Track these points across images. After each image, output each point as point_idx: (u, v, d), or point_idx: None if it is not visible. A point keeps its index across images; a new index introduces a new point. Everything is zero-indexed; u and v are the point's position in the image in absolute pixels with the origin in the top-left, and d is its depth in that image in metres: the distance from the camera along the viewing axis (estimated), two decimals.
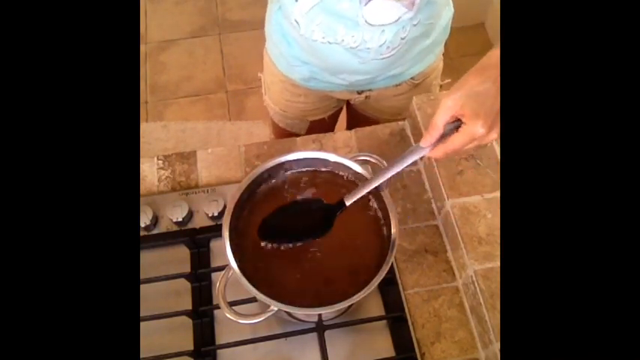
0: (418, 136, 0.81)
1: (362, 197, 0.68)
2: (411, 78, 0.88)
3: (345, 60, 0.76)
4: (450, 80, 0.99)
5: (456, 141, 0.55)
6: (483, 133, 0.53)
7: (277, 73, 0.92)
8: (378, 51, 0.74)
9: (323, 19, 0.70)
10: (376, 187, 0.66)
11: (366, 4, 0.67)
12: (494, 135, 0.54)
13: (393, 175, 0.61)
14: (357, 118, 1.04)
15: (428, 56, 0.86)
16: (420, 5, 0.69)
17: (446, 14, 0.82)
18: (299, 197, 0.67)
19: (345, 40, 0.72)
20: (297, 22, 0.73)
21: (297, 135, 1.02)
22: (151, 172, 0.83)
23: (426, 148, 0.58)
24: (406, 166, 0.60)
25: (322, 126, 1.02)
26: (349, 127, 1.11)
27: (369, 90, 0.90)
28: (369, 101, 0.94)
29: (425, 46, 0.81)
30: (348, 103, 1.03)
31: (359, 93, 0.91)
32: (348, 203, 0.62)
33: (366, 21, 0.69)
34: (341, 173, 0.70)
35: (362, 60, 0.76)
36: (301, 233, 0.64)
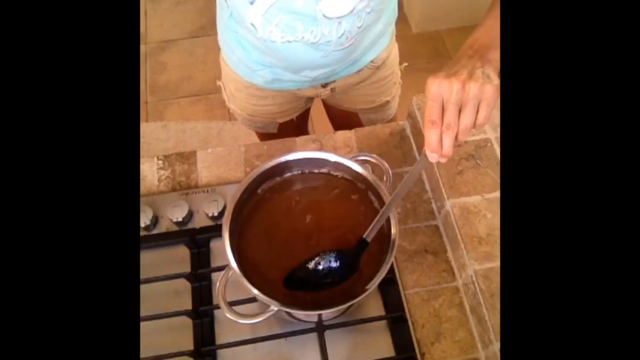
0: (418, 136, 0.81)
1: (363, 198, 0.69)
2: (371, 62, 0.89)
3: (307, 56, 0.76)
4: (407, 64, 1.01)
5: (428, 111, 0.54)
6: (445, 84, 0.52)
7: (239, 80, 0.91)
8: (337, 42, 0.74)
9: (281, 19, 0.70)
10: (377, 189, 0.66)
11: None
12: (471, 84, 0.52)
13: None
14: (336, 115, 1.05)
15: (382, 39, 0.87)
16: None
17: None
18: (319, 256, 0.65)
19: (305, 37, 0.72)
20: (254, 26, 0.72)
21: (270, 134, 1.03)
22: (151, 172, 0.83)
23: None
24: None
25: (291, 127, 1.02)
26: (334, 125, 1.12)
27: (333, 82, 0.90)
28: (336, 94, 0.94)
29: (378, 31, 0.82)
30: (324, 101, 1.03)
31: (323, 86, 0.91)
32: (369, 239, 0.63)
33: (323, 15, 0.69)
34: (340, 174, 0.70)
35: (324, 53, 0.76)
36: (330, 282, 0.64)
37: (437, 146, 0.54)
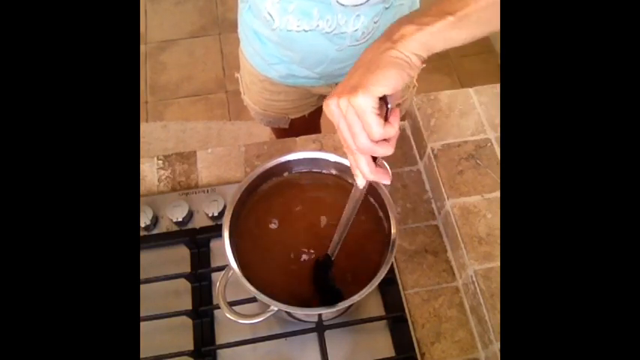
0: (418, 136, 0.81)
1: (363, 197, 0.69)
2: None
3: (322, 47, 0.76)
4: (424, 65, 1.00)
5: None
6: (327, 108, 0.47)
7: (255, 72, 0.92)
8: (353, 36, 0.74)
9: (297, 5, 0.70)
10: (377, 189, 0.66)
11: None
12: (340, 101, 0.45)
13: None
14: None
15: None
16: None
17: None
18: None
19: (320, 25, 0.72)
20: (271, 15, 0.73)
21: (281, 129, 1.04)
22: (151, 172, 0.83)
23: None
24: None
25: (302, 123, 1.02)
26: None
27: None
28: None
29: None
30: None
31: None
32: (333, 257, 0.62)
33: (337, 1, 0.68)
34: (340, 173, 0.70)
35: (338, 47, 0.76)
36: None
37: (354, 170, 0.50)
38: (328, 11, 0.70)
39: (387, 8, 0.72)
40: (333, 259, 0.62)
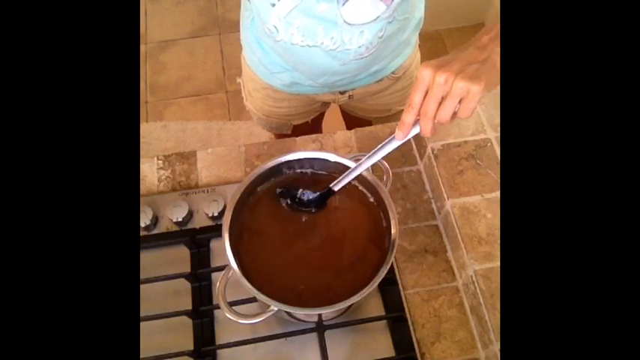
0: (418, 136, 0.81)
1: (362, 196, 0.69)
2: (392, 73, 0.88)
3: (325, 63, 0.76)
4: None
5: (413, 93, 0.54)
6: (430, 74, 0.51)
7: (258, 80, 0.92)
8: (357, 52, 0.74)
9: (302, 22, 0.70)
10: (377, 188, 0.66)
11: (343, 4, 0.66)
12: (457, 81, 0.51)
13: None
14: (350, 120, 1.05)
15: (405, 49, 0.86)
16: (397, 2, 0.68)
17: (419, 7, 0.82)
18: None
19: (325, 43, 0.72)
20: (276, 27, 0.72)
21: (284, 135, 1.03)
22: (151, 172, 0.83)
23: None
24: (390, 152, 0.61)
25: (305, 129, 1.02)
26: (348, 128, 1.12)
27: (352, 89, 0.90)
28: (353, 101, 0.94)
29: (401, 41, 0.81)
30: (340, 106, 1.03)
31: (341, 93, 0.91)
32: (335, 189, 0.66)
33: (344, 21, 0.68)
34: (340, 173, 0.69)
35: (342, 62, 0.75)
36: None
37: (405, 127, 0.56)
38: (333, 29, 0.70)
39: (390, 22, 0.72)
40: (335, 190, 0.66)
